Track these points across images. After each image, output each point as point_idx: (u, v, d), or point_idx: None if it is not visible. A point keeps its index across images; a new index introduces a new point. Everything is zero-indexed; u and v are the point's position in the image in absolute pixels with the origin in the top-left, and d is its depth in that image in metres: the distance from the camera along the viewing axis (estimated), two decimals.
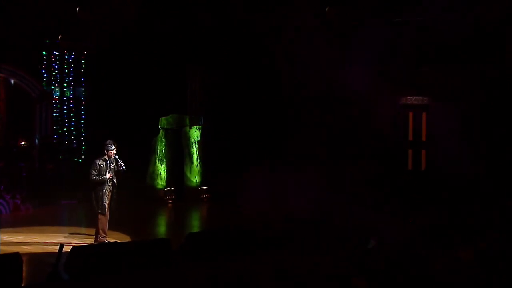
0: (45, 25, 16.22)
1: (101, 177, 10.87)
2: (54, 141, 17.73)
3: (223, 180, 16.35)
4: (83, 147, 18.00)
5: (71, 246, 8.26)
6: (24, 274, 7.41)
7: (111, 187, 11.04)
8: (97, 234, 11.00)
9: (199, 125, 17.59)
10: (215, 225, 14.29)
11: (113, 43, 16.36)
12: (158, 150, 17.37)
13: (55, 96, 17.88)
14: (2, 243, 10.44)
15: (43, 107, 17.84)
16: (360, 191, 13.61)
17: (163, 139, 17.42)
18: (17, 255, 7.29)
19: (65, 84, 17.99)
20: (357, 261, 6.56)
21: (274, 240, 8.66)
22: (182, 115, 17.52)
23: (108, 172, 10.95)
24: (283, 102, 16.26)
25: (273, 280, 6.33)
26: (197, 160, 17.48)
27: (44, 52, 17.65)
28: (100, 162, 10.94)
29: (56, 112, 17.85)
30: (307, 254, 7.32)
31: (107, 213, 11.01)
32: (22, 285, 7.21)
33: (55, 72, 17.85)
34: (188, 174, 17.46)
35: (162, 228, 14.33)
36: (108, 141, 11.10)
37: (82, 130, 18.07)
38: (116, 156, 11.04)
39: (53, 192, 16.35)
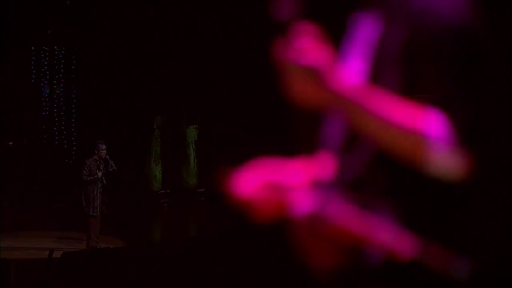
0: (34, 18, 16.24)
1: (93, 177, 10.96)
2: (43, 141, 17.77)
3: (221, 182, 16.36)
4: (74, 147, 18.02)
5: (62, 252, 8.30)
6: (12, 280, 7.45)
7: (101, 189, 11.11)
8: (88, 238, 11.04)
9: (197, 124, 17.61)
10: (213, 229, 14.31)
11: (106, 38, 16.39)
12: (154, 151, 17.39)
13: (45, 94, 17.90)
14: None
15: (32, 105, 17.86)
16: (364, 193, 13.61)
17: (159, 139, 17.45)
18: (5, 261, 7.33)
19: (55, 81, 18.02)
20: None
21: (272, 245, 8.71)
22: (179, 114, 17.55)
23: (99, 172, 11.04)
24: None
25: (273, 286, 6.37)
26: (194, 161, 17.51)
27: (32, 47, 17.68)
28: (89, 162, 11.05)
29: (45, 111, 17.87)
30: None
31: (99, 216, 11.07)
32: None
33: (44, 68, 17.87)
34: (185, 176, 17.49)
35: (157, 232, 14.36)
36: (99, 141, 11.25)
37: (72, 129, 18.09)
38: (107, 156, 11.15)
39: (43, 194, 16.38)
